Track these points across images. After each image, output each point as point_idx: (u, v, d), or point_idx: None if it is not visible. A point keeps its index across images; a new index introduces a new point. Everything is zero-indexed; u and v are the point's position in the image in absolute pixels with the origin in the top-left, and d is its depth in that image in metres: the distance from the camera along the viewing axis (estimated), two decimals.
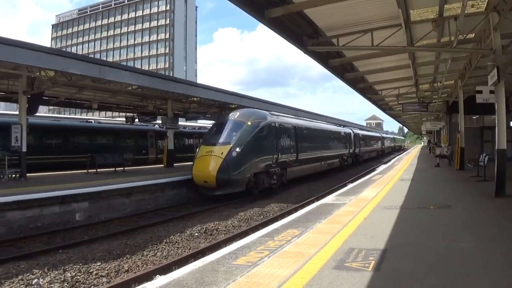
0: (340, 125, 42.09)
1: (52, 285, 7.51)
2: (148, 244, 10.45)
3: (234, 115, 19.17)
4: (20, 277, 7.78)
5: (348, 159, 37.22)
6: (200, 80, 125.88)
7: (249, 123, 18.41)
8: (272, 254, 6.08)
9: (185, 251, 9.90)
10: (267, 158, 18.94)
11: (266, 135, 19.11)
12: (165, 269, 7.97)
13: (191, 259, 8.63)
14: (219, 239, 10.92)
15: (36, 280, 7.63)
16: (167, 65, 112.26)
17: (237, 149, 17.24)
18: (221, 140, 17.95)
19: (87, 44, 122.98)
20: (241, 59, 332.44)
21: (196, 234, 11.62)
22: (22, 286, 7.44)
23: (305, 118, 30.26)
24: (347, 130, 39.40)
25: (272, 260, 5.76)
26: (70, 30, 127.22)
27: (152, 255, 9.54)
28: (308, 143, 25.32)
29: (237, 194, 17.49)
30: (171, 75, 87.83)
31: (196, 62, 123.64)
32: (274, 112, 23.14)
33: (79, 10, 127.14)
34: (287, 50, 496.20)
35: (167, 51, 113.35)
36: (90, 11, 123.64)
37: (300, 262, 5.58)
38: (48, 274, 8.00)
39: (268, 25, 11.46)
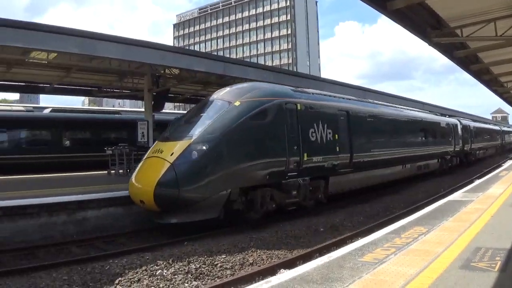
0: (440, 114, 32.77)
1: (176, 276, 7.65)
2: (273, 237, 10.51)
3: (219, 92, 12.85)
4: (144, 267, 8.00)
5: (454, 158, 29.93)
6: (324, 74, 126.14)
7: (237, 103, 11.73)
8: (399, 252, 6.08)
9: (310, 246, 9.73)
10: (273, 162, 12.00)
11: (273, 122, 12.13)
12: (289, 264, 8.04)
13: (316, 254, 8.64)
14: (345, 234, 10.72)
15: (160, 271, 7.81)
16: (290, 61, 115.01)
17: (201, 147, 10.63)
18: (179, 132, 11.66)
19: (209, 42, 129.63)
20: (363, 52, 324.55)
21: (322, 229, 11.66)
22: (145, 276, 7.61)
23: (380, 103, 21.42)
24: (452, 121, 31.65)
25: (398, 258, 5.76)
26: (191, 29, 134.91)
27: (276, 249, 9.54)
28: (376, 137, 17.71)
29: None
30: (295, 70, 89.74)
31: (319, 57, 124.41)
32: (307, 90, 15.29)
33: (199, 9, 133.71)
34: (409, 42, 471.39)
35: (289, 46, 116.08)
36: (211, 9, 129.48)
37: (426, 261, 5.55)
38: (172, 265, 8.17)
39: (391, 17, 11.30)
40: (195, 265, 8.16)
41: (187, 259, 8.51)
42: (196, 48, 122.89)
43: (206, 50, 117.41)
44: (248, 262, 8.59)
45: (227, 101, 12.06)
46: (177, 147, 10.82)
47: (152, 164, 10.93)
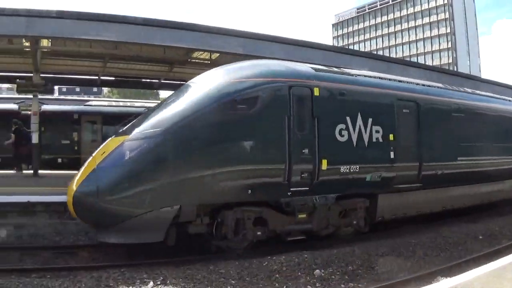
0: None
1: (333, 276, 7.61)
2: (432, 243, 10.02)
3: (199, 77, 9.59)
4: (301, 265, 7.90)
5: None
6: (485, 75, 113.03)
7: (208, 87, 8.58)
8: None
9: (468, 254, 9.22)
10: (260, 171, 8.56)
11: (261, 113, 8.57)
12: (448, 271, 7.72)
13: (474, 262, 8.11)
14: (503, 243, 10.07)
15: (317, 270, 7.72)
16: (450, 60, 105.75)
17: (136, 146, 7.83)
18: (130, 126, 8.75)
19: (368, 42, 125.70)
20: None
21: (480, 237, 10.86)
22: (302, 275, 7.57)
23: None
24: None
25: None
26: (350, 29, 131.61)
27: (435, 255, 9.20)
28: (466, 139, 12.25)
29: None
30: (455, 70, 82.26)
31: (479, 57, 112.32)
32: (343, 69, 11.07)
33: (357, 9, 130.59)
34: None
35: (448, 46, 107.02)
36: (369, 9, 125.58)
37: None
38: (330, 265, 8.03)
39: None
40: (352, 267, 8.08)
41: (344, 260, 8.37)
42: (356, 47, 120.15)
43: (366, 50, 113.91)
44: (406, 267, 8.35)
45: (195, 85, 8.98)
46: (112, 145, 8.16)
47: (87, 164, 8.27)
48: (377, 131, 10.04)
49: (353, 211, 10.03)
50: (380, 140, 10.10)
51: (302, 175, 8.89)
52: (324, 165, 9.09)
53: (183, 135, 8.00)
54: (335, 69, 10.70)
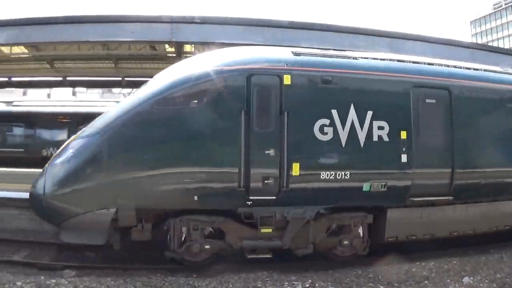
0: None
1: (481, 284, 7.15)
2: None
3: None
4: (451, 272, 7.57)
5: None
6: None
7: (153, 82, 7.96)
8: None
9: None
10: (206, 174, 7.23)
11: (207, 108, 7.30)
12: None
13: None
14: None
15: (466, 278, 7.33)
16: None
17: (78, 144, 7.37)
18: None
19: (507, 39, 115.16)
20: None
21: None
22: (451, 282, 7.20)
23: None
24: None
25: None
26: (488, 26, 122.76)
27: None
28: None
29: None
30: None
31: None
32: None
33: (494, 5, 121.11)
34: None
35: None
36: (505, 4, 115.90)
37: None
38: (479, 272, 7.59)
39: None
40: (500, 275, 7.56)
41: (493, 267, 7.92)
42: (495, 45, 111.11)
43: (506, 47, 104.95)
44: None
45: (152, 79, 8.24)
46: (65, 144, 7.89)
47: None
48: (380, 127, 7.81)
49: (346, 229, 7.99)
50: (385, 139, 7.83)
51: (265, 181, 7.26)
52: (296, 169, 7.32)
53: (118, 134, 7.25)
54: (325, 52, 8.66)
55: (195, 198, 7.10)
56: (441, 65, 9.12)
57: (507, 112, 9.09)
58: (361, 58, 8.58)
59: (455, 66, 9.19)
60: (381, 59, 8.72)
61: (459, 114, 8.48)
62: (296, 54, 8.04)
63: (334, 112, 7.60)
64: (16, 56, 15.55)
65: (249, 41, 11.71)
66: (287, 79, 7.48)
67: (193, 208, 7.30)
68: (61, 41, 13.11)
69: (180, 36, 12.64)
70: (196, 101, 7.25)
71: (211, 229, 7.67)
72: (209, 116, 7.25)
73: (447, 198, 8.32)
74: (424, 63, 8.94)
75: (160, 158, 7.20)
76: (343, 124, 7.62)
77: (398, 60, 8.79)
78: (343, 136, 7.61)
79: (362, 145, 7.71)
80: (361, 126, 7.72)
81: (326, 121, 7.55)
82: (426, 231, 8.44)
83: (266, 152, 7.24)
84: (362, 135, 7.71)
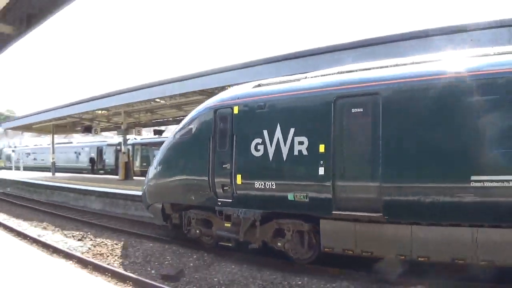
0: None
1: None
2: None
3: None
4: None
5: None
6: None
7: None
8: None
9: None
10: (194, 181, 10.13)
11: (196, 135, 10.31)
12: None
13: None
14: None
15: None
16: None
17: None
18: None
19: None
20: None
21: None
22: None
23: None
24: None
25: None
26: None
27: None
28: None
29: None
30: None
31: None
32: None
33: None
34: None
35: None
36: None
37: None
38: None
39: None
40: None
41: None
42: None
43: None
44: None
45: None
46: None
47: None
48: (300, 143, 8.42)
49: (287, 232, 8.96)
50: (305, 153, 8.33)
51: (224, 188, 9.76)
52: (239, 179, 9.42)
53: (160, 161, 11.44)
54: (281, 79, 9.48)
55: (193, 198, 10.48)
56: (370, 68, 7.85)
57: (456, 110, 6.77)
58: (297, 80, 9.21)
59: (386, 66, 7.63)
60: (312, 77, 8.79)
61: (390, 121, 7.45)
62: (255, 86, 9.85)
63: (265, 132, 9.01)
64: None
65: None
66: (236, 110, 9.64)
67: (194, 205, 10.68)
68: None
69: None
70: (191, 132, 10.59)
71: (207, 219, 10.72)
72: (195, 141, 10.46)
73: (375, 215, 7.55)
74: (354, 71, 8.16)
75: (173, 170, 10.86)
76: (271, 141, 8.88)
77: (322, 75, 8.52)
78: (271, 151, 8.88)
79: (285, 159, 8.66)
80: (285, 142, 8.66)
81: (260, 140, 9.09)
82: (363, 248, 7.89)
83: (223, 166, 9.71)
84: (285, 150, 8.66)
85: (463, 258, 6.92)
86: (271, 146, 8.86)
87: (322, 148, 8.14)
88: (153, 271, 9.41)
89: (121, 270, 9.16)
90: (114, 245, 11.80)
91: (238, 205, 9.55)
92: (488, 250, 6.69)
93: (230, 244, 10.16)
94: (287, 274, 8.62)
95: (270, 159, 8.86)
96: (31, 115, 32.40)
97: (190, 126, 10.74)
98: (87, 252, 11.05)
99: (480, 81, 6.75)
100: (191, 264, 9.79)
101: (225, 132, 9.83)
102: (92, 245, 11.82)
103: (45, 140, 63.23)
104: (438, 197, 6.91)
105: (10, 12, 9.45)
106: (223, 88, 15.29)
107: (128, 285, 8.26)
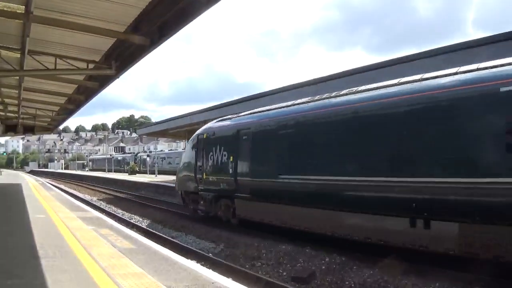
0: None
1: None
2: None
3: None
4: None
5: None
6: None
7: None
8: None
9: None
10: (189, 177, 18.20)
11: (192, 148, 18.36)
12: None
13: None
14: None
15: None
16: None
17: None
18: None
19: None
20: None
21: None
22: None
23: None
24: None
25: None
26: None
27: None
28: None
29: None
30: None
31: None
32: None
33: None
34: None
35: None
36: None
37: None
38: None
39: None
40: None
41: None
42: None
43: None
44: None
45: None
46: None
47: None
48: (224, 155, 15.07)
49: (228, 207, 15.37)
50: (225, 160, 14.94)
51: (200, 180, 16.76)
52: (205, 175, 16.39)
53: (184, 156, 19.54)
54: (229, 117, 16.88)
55: (189, 186, 17.75)
56: (247, 114, 14.36)
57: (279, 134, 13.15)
58: (229, 119, 16.22)
59: (254, 113, 14.11)
60: (235, 117, 15.57)
61: (255, 144, 13.82)
62: (217, 121, 16.93)
63: (214, 148, 15.84)
64: None
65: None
66: (205, 136, 16.76)
67: (190, 191, 17.81)
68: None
69: None
70: (189, 147, 18.17)
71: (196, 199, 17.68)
72: (192, 151, 17.76)
73: (247, 195, 13.90)
74: (252, 113, 14.69)
75: (182, 169, 18.61)
76: (215, 153, 15.66)
77: (237, 115, 15.49)
78: (215, 159, 15.65)
79: (219, 164, 15.36)
80: (220, 154, 15.36)
81: (212, 153, 15.92)
82: (251, 216, 14.14)
83: (199, 167, 16.74)
84: (218, 158, 15.39)
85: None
86: (215, 156, 15.63)
87: (231, 158, 14.66)
88: (284, 273, 9.52)
89: (251, 272, 9.27)
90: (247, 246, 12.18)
91: (205, 191, 16.46)
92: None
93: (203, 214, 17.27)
94: None
95: (215, 163, 15.63)
96: (165, 121, 40.18)
97: (189, 144, 18.30)
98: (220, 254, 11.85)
99: None
100: (323, 267, 9.59)
101: (200, 148, 16.94)
102: (225, 246, 12.63)
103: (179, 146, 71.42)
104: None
105: (142, 23, 10.23)
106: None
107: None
